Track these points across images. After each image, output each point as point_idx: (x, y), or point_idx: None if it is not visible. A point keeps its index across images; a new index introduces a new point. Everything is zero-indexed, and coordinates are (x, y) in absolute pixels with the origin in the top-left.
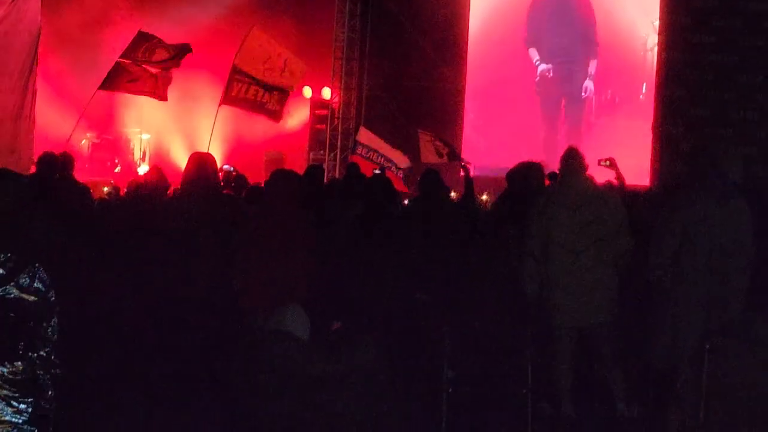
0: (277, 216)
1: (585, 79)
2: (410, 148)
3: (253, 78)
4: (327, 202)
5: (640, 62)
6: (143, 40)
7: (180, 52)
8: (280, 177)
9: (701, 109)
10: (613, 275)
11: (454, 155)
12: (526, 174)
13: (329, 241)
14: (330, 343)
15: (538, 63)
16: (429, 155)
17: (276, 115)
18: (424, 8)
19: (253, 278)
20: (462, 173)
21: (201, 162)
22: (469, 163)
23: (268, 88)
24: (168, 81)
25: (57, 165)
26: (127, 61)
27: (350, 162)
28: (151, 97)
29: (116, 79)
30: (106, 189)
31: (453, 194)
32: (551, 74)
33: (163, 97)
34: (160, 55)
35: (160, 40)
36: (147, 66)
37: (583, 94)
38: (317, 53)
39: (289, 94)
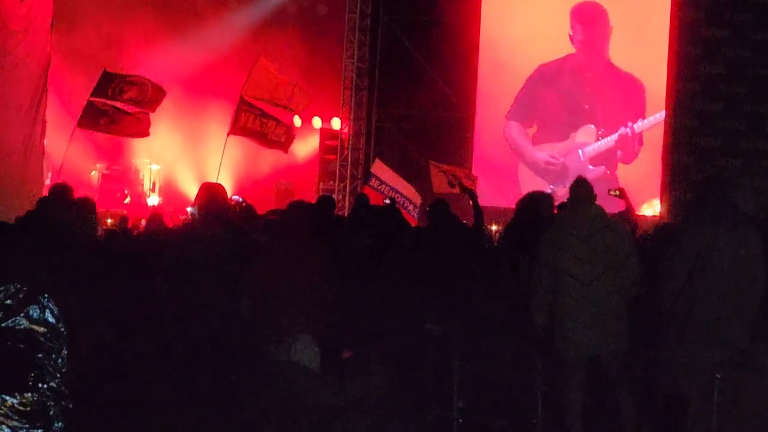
0: (292, 247)
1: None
2: (421, 179)
3: (259, 109)
4: (337, 232)
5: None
6: (108, 80)
7: (153, 96)
8: (295, 208)
9: (711, 138)
10: (623, 304)
11: (465, 187)
12: (535, 203)
13: (339, 272)
14: (340, 372)
15: None
16: (441, 186)
17: (282, 147)
18: (434, 38)
19: (265, 308)
20: (470, 202)
21: (211, 192)
22: (475, 179)
23: (275, 120)
24: (146, 116)
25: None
26: (99, 100)
27: (360, 193)
28: (132, 137)
29: (93, 119)
30: (109, 221)
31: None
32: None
33: (143, 133)
34: (131, 93)
35: (126, 78)
36: (119, 104)
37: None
38: (327, 83)
39: (294, 128)
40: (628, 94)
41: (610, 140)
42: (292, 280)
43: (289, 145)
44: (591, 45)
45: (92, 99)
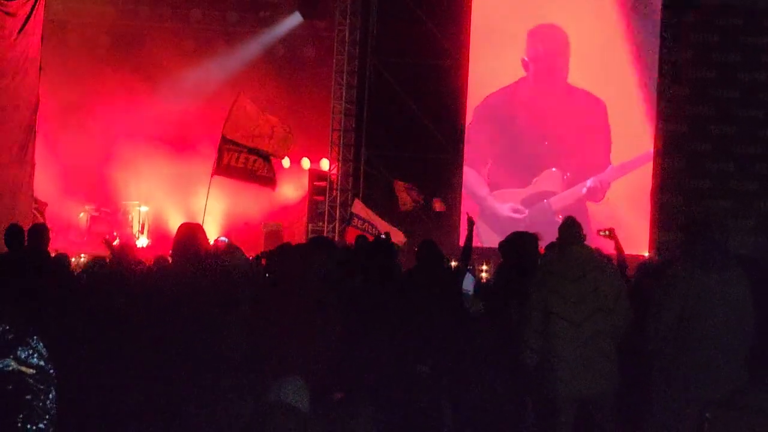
0: (284, 286)
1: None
2: (410, 220)
3: (242, 146)
4: (329, 273)
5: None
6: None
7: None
8: (290, 249)
9: (700, 180)
10: (613, 345)
11: (429, 205)
12: (519, 244)
13: (332, 312)
14: (330, 414)
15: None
16: (407, 204)
17: (270, 182)
18: (422, 79)
19: (255, 348)
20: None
21: (189, 232)
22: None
23: (259, 154)
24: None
25: (23, 237)
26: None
27: (359, 235)
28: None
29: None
30: (83, 258)
31: (453, 263)
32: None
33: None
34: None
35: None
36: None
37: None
38: (315, 124)
39: (278, 161)
40: (590, 116)
41: (578, 189)
42: (283, 320)
43: (276, 180)
44: (550, 66)
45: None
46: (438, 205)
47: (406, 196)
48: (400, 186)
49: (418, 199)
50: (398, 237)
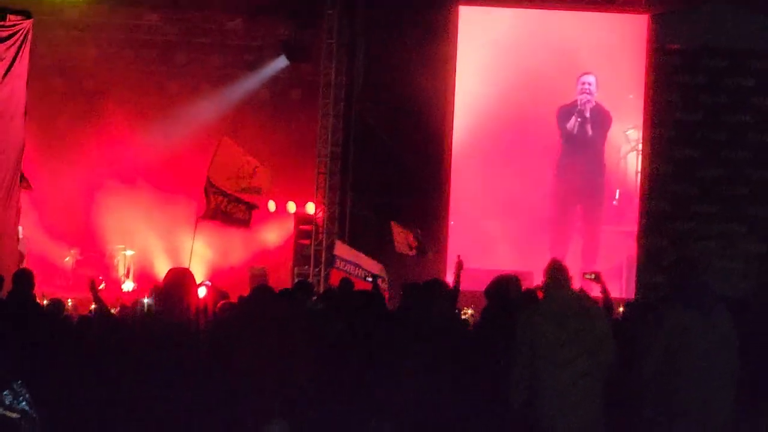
0: (266, 331)
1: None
2: (394, 263)
3: (224, 192)
4: (313, 316)
5: (612, 169)
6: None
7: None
8: (266, 292)
9: (686, 222)
10: (599, 387)
11: (423, 251)
12: (503, 287)
13: (314, 357)
14: None
15: None
16: (402, 246)
17: (243, 223)
18: (407, 123)
19: (239, 393)
20: (454, 278)
21: (177, 278)
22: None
23: (238, 200)
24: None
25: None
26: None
27: (344, 278)
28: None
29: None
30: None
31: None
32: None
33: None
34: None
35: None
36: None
37: None
38: (301, 168)
39: (257, 205)
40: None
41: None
42: (267, 365)
43: (250, 222)
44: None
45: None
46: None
47: (402, 239)
48: (397, 228)
49: (412, 245)
50: (376, 268)
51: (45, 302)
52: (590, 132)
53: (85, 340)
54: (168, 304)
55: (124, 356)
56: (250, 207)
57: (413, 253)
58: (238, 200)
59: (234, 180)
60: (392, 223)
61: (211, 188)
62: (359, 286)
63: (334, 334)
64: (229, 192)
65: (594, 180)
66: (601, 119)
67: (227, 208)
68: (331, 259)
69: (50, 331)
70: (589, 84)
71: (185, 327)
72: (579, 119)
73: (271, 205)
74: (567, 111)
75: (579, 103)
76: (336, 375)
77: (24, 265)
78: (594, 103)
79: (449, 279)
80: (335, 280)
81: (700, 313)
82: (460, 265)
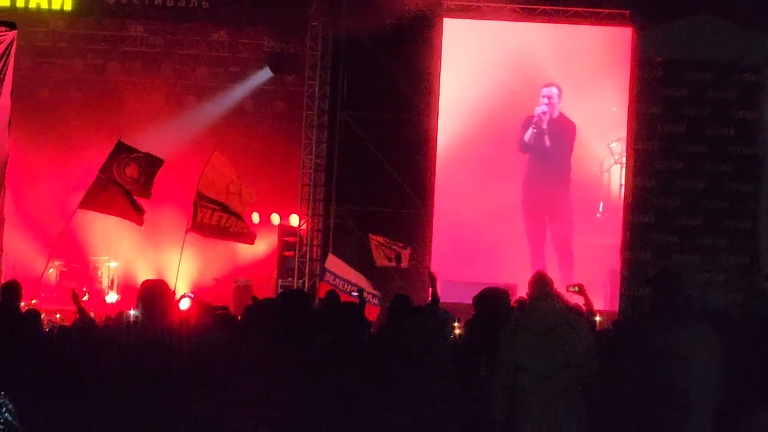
0: (249, 346)
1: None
2: (379, 276)
3: (216, 203)
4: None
5: (596, 182)
6: (118, 152)
7: (149, 166)
8: (255, 308)
9: (669, 235)
10: (582, 400)
11: (400, 260)
12: (491, 300)
13: (298, 373)
14: None
15: None
16: (380, 260)
17: (245, 237)
18: (390, 132)
19: (218, 409)
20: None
21: (152, 289)
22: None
23: (232, 212)
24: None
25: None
26: (104, 176)
27: (330, 290)
28: (127, 218)
29: (95, 197)
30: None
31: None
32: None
33: (137, 220)
34: (132, 170)
35: (133, 152)
36: (121, 181)
37: None
38: (285, 180)
39: (246, 223)
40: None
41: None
42: (248, 380)
43: (253, 234)
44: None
45: (100, 175)
46: (405, 261)
47: (379, 253)
48: (374, 242)
49: (390, 256)
50: (369, 287)
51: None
52: (548, 143)
53: (64, 351)
54: (147, 315)
55: (103, 367)
56: (242, 221)
57: (393, 263)
58: (230, 210)
59: (224, 195)
60: (370, 235)
61: (199, 200)
62: (345, 300)
63: (315, 354)
64: (221, 201)
65: (559, 191)
66: (562, 130)
67: (221, 222)
68: (321, 272)
69: (30, 342)
70: (549, 96)
71: (167, 338)
72: (535, 130)
73: (255, 217)
74: (527, 123)
75: (535, 114)
76: (315, 396)
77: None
78: (555, 115)
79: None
80: (323, 292)
81: (683, 328)
82: (432, 278)
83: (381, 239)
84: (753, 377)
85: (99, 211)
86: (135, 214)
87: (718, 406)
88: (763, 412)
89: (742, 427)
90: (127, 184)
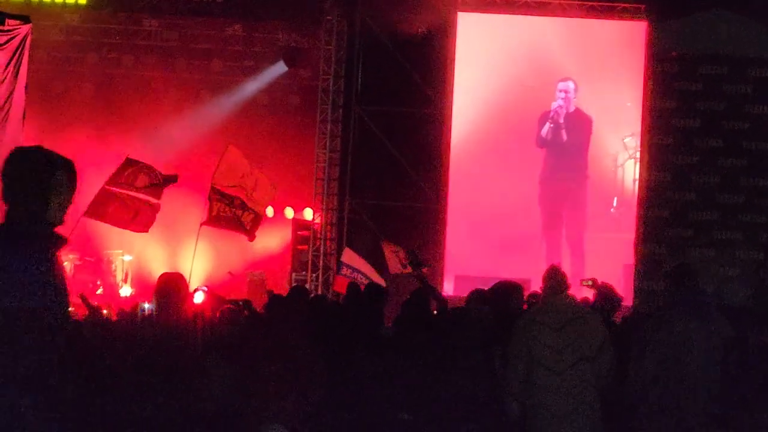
0: (272, 334)
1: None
2: (392, 276)
3: (228, 196)
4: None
5: (610, 177)
6: (128, 165)
7: (164, 181)
8: (281, 301)
9: (683, 229)
10: (596, 395)
11: (416, 265)
12: (506, 295)
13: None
14: None
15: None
16: (395, 267)
17: (249, 234)
18: (404, 127)
19: (238, 395)
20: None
21: (170, 282)
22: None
23: (245, 206)
24: (152, 212)
25: None
26: (112, 188)
27: (351, 282)
28: (132, 230)
29: (101, 207)
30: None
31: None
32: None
33: (141, 229)
34: (142, 180)
35: (144, 166)
36: (129, 191)
37: None
38: (299, 174)
39: (262, 218)
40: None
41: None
42: (270, 368)
43: (255, 232)
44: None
45: (105, 187)
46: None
47: (394, 260)
48: (388, 249)
49: (404, 261)
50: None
51: None
52: (565, 137)
53: (76, 344)
54: (163, 308)
55: (115, 361)
56: (258, 217)
57: (407, 270)
58: (245, 206)
59: (238, 188)
60: (383, 243)
61: (214, 194)
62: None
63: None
64: (234, 195)
65: (575, 186)
66: (578, 125)
67: (231, 213)
68: (338, 266)
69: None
70: (565, 91)
71: (182, 331)
72: (552, 125)
73: (269, 211)
74: (543, 118)
75: (551, 109)
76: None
77: None
78: (572, 110)
79: (447, 287)
80: (340, 286)
81: (698, 322)
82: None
83: (394, 246)
84: (762, 372)
85: (104, 222)
86: (139, 224)
87: (730, 400)
88: None
89: (753, 422)
90: (139, 193)
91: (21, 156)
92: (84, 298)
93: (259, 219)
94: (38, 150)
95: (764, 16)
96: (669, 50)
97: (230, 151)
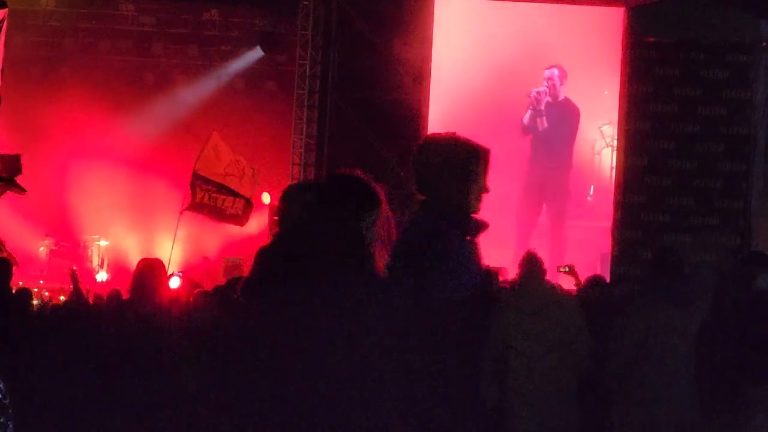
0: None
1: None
2: None
3: (214, 183)
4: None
5: (587, 165)
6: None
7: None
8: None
9: (660, 214)
10: (574, 381)
11: None
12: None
13: None
14: None
15: None
16: None
17: (239, 220)
18: (382, 112)
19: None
20: None
21: (148, 267)
22: None
23: (231, 193)
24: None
25: None
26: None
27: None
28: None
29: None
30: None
31: None
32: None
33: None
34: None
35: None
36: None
37: None
38: (275, 159)
39: (253, 204)
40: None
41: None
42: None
43: (247, 218)
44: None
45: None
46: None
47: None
48: None
49: None
50: None
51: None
52: (546, 125)
53: (57, 329)
54: (140, 293)
55: (95, 345)
56: (249, 204)
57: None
58: (232, 193)
59: (221, 176)
60: None
61: (197, 181)
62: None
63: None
64: (218, 182)
65: (558, 176)
66: (564, 115)
67: (217, 204)
68: None
69: (20, 320)
70: (549, 78)
71: (158, 316)
72: (531, 111)
73: (266, 197)
74: (523, 104)
75: (530, 95)
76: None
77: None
78: (560, 98)
79: None
80: None
81: (678, 306)
82: None
83: None
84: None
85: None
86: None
87: (713, 384)
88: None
89: (734, 407)
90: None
91: (437, 146)
92: (74, 276)
93: (250, 205)
94: (456, 139)
95: (741, 2)
96: (646, 35)
97: (213, 139)
